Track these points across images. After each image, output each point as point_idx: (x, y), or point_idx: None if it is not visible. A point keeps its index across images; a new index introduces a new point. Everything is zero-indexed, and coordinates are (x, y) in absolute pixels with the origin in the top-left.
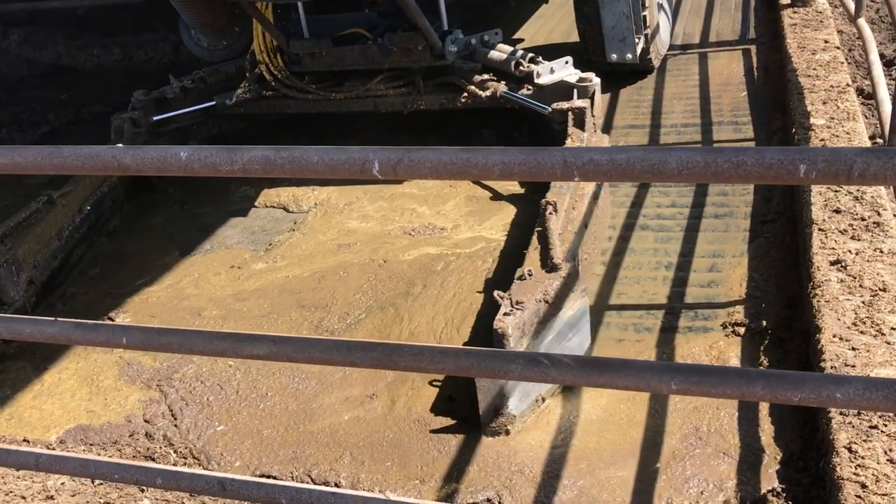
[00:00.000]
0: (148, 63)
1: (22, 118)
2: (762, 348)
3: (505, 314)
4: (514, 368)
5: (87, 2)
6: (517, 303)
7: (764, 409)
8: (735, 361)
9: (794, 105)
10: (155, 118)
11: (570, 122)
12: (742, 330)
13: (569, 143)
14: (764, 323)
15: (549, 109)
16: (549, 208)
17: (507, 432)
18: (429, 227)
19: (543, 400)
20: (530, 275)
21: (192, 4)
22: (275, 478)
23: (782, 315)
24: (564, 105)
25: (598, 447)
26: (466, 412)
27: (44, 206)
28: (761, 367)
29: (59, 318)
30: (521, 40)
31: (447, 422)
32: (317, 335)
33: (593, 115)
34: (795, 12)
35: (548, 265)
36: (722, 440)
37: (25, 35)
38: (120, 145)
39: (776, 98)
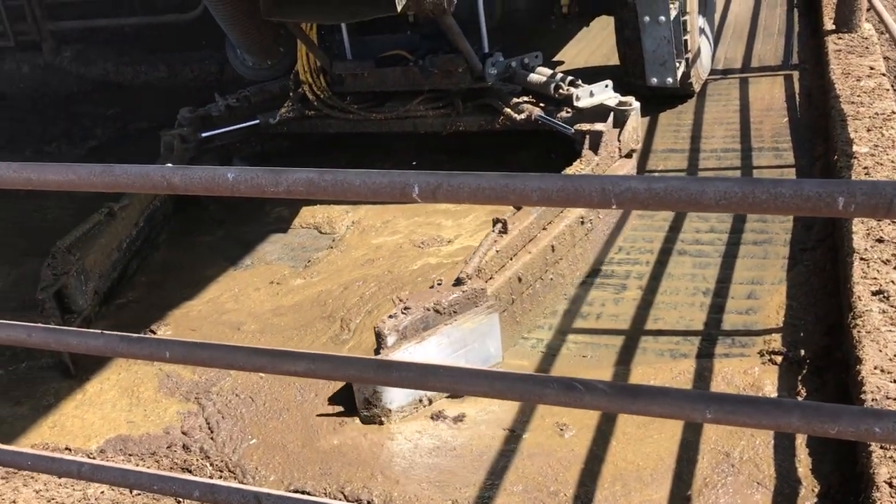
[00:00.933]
0: (193, 81)
1: (71, 132)
2: (800, 378)
3: (389, 317)
4: (548, 393)
5: (136, 20)
6: (406, 308)
7: (801, 438)
8: (771, 390)
9: (837, 132)
10: (203, 135)
11: (586, 145)
12: (779, 358)
13: (578, 164)
14: (802, 352)
15: (573, 131)
16: (498, 226)
17: (381, 423)
18: (436, 239)
19: (430, 402)
20: (439, 284)
21: (239, 24)
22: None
23: (821, 344)
24: (585, 127)
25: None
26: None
27: (105, 219)
28: (799, 398)
29: (105, 332)
30: (562, 63)
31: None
32: (334, 341)
33: (619, 140)
34: (840, 38)
35: (456, 278)
36: (756, 469)
37: (76, 52)
38: (169, 165)
39: (818, 125)
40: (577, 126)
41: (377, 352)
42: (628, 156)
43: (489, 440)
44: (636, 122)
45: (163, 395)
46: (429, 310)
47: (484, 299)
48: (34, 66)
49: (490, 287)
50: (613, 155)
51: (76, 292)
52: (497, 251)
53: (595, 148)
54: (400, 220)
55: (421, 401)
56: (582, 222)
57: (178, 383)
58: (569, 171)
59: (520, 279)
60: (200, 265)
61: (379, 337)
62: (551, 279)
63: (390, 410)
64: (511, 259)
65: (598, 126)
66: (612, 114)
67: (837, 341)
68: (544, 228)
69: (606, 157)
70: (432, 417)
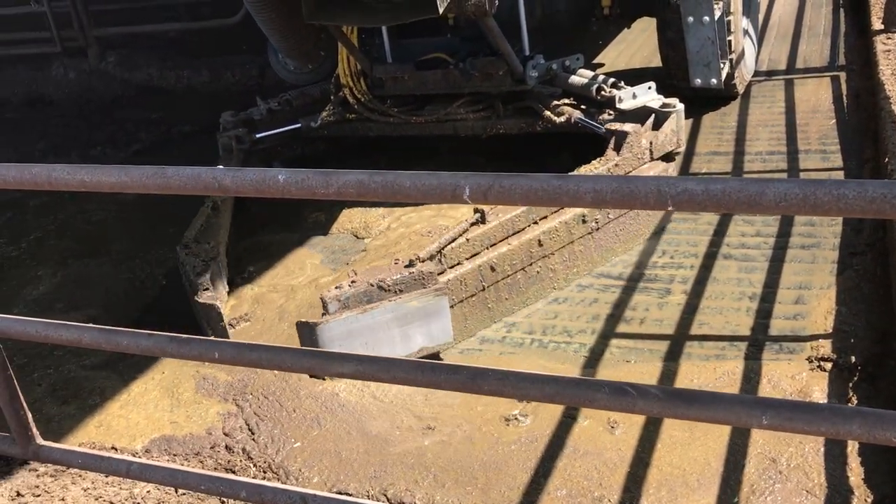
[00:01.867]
0: (235, 85)
1: (116, 136)
2: (851, 385)
3: (336, 287)
4: (599, 397)
5: (180, 26)
6: (353, 281)
7: (852, 445)
8: (820, 396)
9: (888, 134)
10: (257, 136)
11: (610, 145)
12: (829, 365)
13: (595, 163)
14: (853, 358)
15: (604, 130)
16: (477, 216)
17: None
18: (441, 227)
19: None
20: (395, 263)
21: (280, 29)
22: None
23: (873, 351)
24: (614, 126)
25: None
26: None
27: (212, 212)
28: (851, 405)
29: (154, 332)
30: (602, 65)
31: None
32: None
33: (650, 142)
34: (889, 38)
35: (409, 260)
36: (805, 477)
37: (121, 57)
38: (220, 167)
39: (867, 127)
40: (607, 126)
41: (322, 316)
42: (666, 158)
43: (545, 427)
44: (675, 125)
45: (202, 395)
46: (373, 285)
47: (433, 282)
48: (80, 72)
49: (454, 272)
50: (642, 156)
51: (217, 278)
52: (468, 239)
53: (618, 148)
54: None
55: None
56: (584, 220)
57: (214, 384)
58: (582, 169)
59: (492, 268)
60: (251, 261)
61: (323, 304)
62: (538, 272)
63: None
64: (488, 248)
65: (627, 126)
66: (653, 115)
67: (890, 348)
68: (535, 222)
69: (631, 158)
70: None
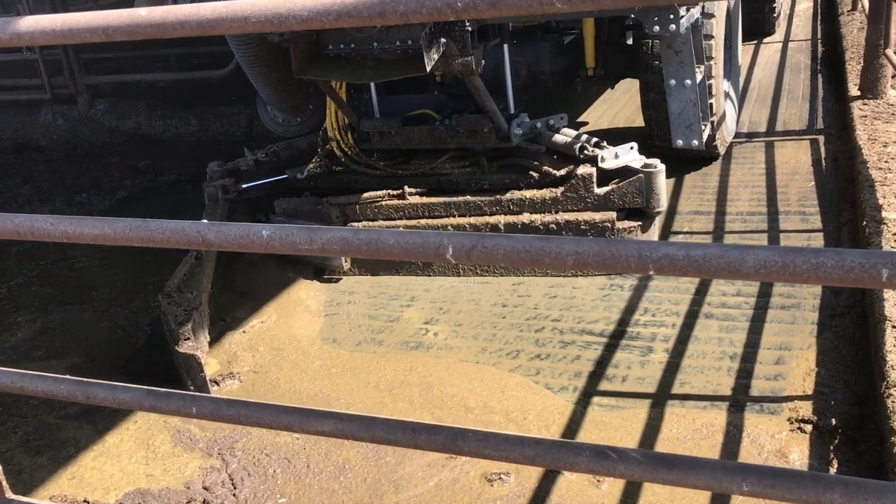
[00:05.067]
0: (223, 135)
1: (101, 183)
2: (832, 447)
3: None
4: (580, 460)
5: (170, 75)
6: None
7: None
8: (799, 457)
9: (865, 198)
10: (244, 186)
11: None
12: (809, 427)
13: (538, 190)
14: (833, 421)
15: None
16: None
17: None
18: None
19: None
20: None
21: (270, 83)
22: None
23: (851, 414)
24: (582, 170)
25: None
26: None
27: (195, 261)
28: (832, 469)
29: (132, 385)
30: (586, 124)
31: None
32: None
33: (610, 190)
34: (865, 104)
35: None
36: None
37: (110, 105)
38: (205, 221)
39: (845, 190)
40: (565, 169)
41: None
42: (639, 216)
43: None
44: (648, 185)
45: (182, 449)
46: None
47: None
48: (68, 118)
49: None
50: (594, 201)
51: (198, 327)
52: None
53: (565, 183)
54: None
55: None
56: None
57: (191, 438)
58: (527, 193)
59: None
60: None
61: None
62: None
63: None
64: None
65: (584, 169)
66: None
67: (869, 411)
68: None
69: (576, 198)
70: None
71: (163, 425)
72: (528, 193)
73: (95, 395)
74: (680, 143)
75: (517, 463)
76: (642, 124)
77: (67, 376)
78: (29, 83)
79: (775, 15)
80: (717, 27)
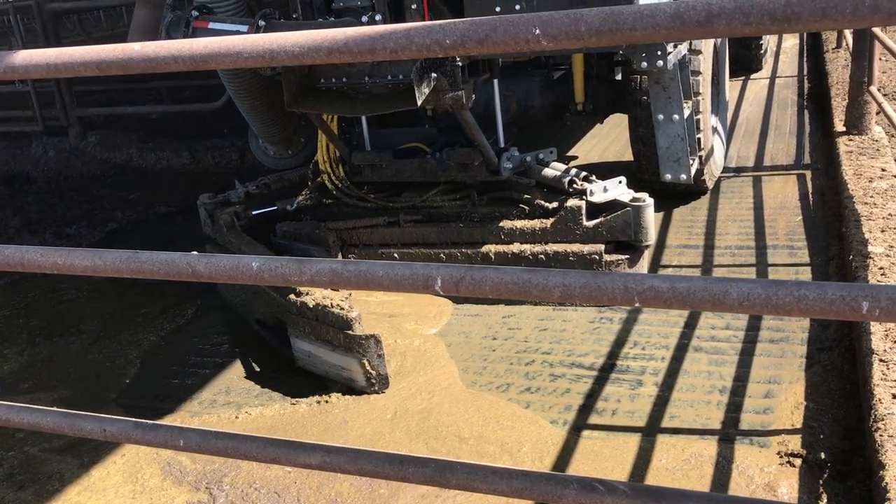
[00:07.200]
0: (214, 167)
1: (92, 215)
2: (821, 481)
3: None
4: (568, 493)
5: (161, 108)
6: None
7: None
8: (788, 491)
9: (852, 232)
10: (254, 213)
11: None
12: (798, 461)
13: (529, 221)
14: (822, 455)
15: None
16: None
17: None
18: None
19: None
20: None
21: (262, 116)
22: None
23: (840, 448)
24: (570, 203)
25: None
26: None
27: None
28: (821, 503)
29: (120, 417)
30: (575, 158)
31: None
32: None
33: (598, 223)
34: (851, 139)
35: None
36: None
37: (102, 137)
38: (194, 253)
39: (832, 224)
40: (555, 202)
41: None
42: (627, 249)
43: None
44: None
45: (170, 483)
46: None
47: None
48: (59, 150)
49: None
50: (582, 233)
51: None
52: None
53: (555, 215)
54: None
55: None
56: None
57: (181, 471)
58: (518, 223)
59: None
60: None
61: None
62: None
63: None
64: None
65: (574, 202)
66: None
67: (858, 445)
68: None
69: (564, 230)
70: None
71: (153, 458)
72: (518, 224)
73: (82, 427)
74: (668, 177)
75: (505, 496)
76: (631, 159)
77: (53, 408)
78: (21, 115)
79: (762, 52)
80: (705, 63)
